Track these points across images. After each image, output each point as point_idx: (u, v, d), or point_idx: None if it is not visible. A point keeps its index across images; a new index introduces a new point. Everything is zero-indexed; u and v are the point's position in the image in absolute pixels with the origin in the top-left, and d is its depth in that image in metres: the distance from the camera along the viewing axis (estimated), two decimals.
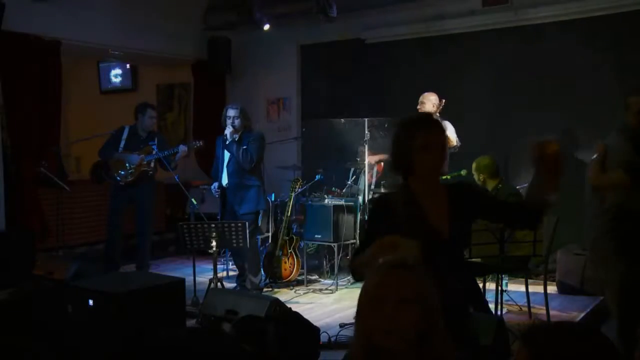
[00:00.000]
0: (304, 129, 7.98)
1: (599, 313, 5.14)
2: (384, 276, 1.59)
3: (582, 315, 5.01)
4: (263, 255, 6.18)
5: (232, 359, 3.15)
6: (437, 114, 5.62)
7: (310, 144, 7.88)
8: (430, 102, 5.88)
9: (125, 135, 6.08)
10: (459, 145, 5.68)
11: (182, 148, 6.03)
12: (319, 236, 6.04)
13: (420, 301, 1.53)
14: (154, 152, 5.96)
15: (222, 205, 5.73)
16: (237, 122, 5.53)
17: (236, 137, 5.53)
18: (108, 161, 6.08)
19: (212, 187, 5.76)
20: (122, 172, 5.97)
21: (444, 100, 5.69)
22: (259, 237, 6.29)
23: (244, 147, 5.51)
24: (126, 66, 9.41)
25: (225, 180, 5.65)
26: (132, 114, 6.31)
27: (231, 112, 5.56)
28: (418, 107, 5.81)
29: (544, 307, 4.71)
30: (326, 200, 6.22)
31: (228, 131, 5.51)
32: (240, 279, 5.78)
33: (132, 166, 5.98)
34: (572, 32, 6.12)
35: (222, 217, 5.69)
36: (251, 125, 5.74)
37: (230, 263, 6.56)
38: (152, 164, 6.07)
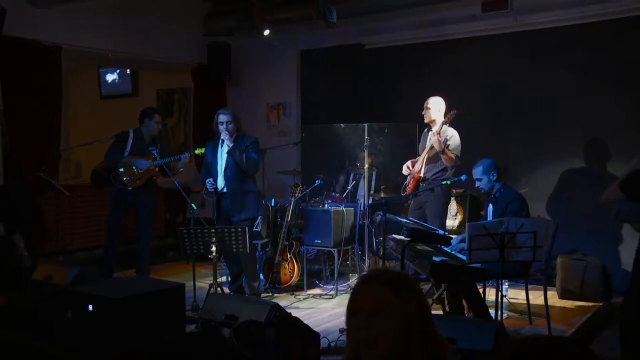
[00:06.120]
0: (304, 134, 7.99)
1: (599, 318, 5.14)
2: (360, 288, 1.63)
3: (582, 320, 5.00)
4: (262, 261, 6.19)
5: None
6: (447, 124, 5.42)
7: (310, 149, 7.89)
8: (435, 107, 5.53)
9: (130, 140, 6.08)
10: (459, 163, 5.46)
11: (185, 156, 6.03)
12: (319, 241, 6.03)
13: (398, 313, 1.55)
14: (157, 158, 5.96)
15: (217, 211, 5.65)
16: (230, 126, 5.50)
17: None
18: (115, 165, 6.05)
19: (207, 182, 5.58)
20: (130, 178, 5.95)
21: (454, 111, 5.35)
22: (259, 242, 6.28)
23: (244, 153, 5.46)
24: (126, 71, 9.42)
25: (221, 186, 5.59)
26: (132, 119, 6.31)
27: (223, 118, 5.51)
28: (423, 112, 5.61)
29: (544, 312, 4.71)
30: (326, 205, 6.23)
31: (226, 137, 5.48)
32: (233, 285, 5.75)
33: (140, 171, 5.97)
34: (572, 38, 6.14)
35: (217, 222, 5.65)
36: (242, 128, 5.72)
37: None
38: (157, 169, 6.07)
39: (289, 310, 4.30)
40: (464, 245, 4.30)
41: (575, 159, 6.19)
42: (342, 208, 6.08)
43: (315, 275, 6.54)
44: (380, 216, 6.07)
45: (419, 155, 5.69)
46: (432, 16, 6.81)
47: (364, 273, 1.74)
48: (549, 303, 4.71)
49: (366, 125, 6.29)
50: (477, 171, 4.79)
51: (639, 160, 3.38)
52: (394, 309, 1.55)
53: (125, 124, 6.53)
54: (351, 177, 6.87)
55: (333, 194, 6.66)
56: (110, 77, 9.69)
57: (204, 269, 6.39)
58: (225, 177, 5.57)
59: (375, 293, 1.58)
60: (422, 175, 5.59)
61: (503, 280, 4.60)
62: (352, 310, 1.61)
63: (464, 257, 4.29)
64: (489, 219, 4.77)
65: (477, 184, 4.82)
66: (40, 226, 6.52)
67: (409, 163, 5.75)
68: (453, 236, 4.84)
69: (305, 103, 8.11)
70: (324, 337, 4.20)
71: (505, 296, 5.04)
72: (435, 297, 4.82)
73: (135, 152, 6.02)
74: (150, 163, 5.97)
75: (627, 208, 3.29)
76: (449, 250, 4.62)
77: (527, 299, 4.87)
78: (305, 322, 3.94)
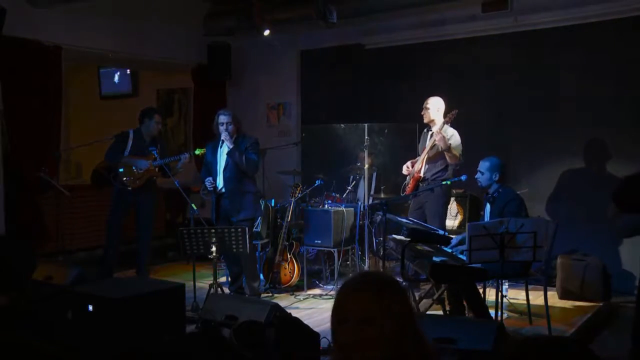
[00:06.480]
0: (304, 134, 7.99)
1: (599, 318, 5.14)
2: (344, 297, 1.61)
3: (582, 320, 5.00)
4: (263, 261, 6.19)
5: None
6: (448, 124, 5.42)
7: (310, 149, 7.89)
8: (434, 107, 5.53)
9: (130, 140, 6.07)
10: (462, 161, 5.47)
11: (185, 156, 6.03)
12: (319, 241, 6.03)
13: (386, 316, 1.54)
14: (157, 158, 5.96)
15: (217, 212, 5.65)
16: (230, 127, 5.50)
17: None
18: (115, 165, 6.04)
19: (207, 180, 5.58)
20: (129, 178, 5.94)
21: (455, 110, 5.35)
22: (259, 242, 6.28)
23: (244, 154, 5.47)
24: (126, 71, 9.42)
25: (220, 186, 5.59)
26: (132, 119, 6.30)
27: (223, 118, 5.51)
28: (422, 112, 5.62)
29: (544, 313, 4.71)
30: (326, 206, 6.22)
31: (226, 138, 5.48)
32: (233, 285, 5.75)
33: (140, 171, 5.97)
34: (572, 38, 6.14)
35: (216, 222, 5.64)
36: (242, 129, 5.72)
37: None
38: (157, 170, 6.07)
39: (289, 311, 4.30)
40: (464, 247, 4.30)
41: (575, 159, 6.19)
42: (342, 208, 6.08)
43: (315, 276, 6.54)
44: (380, 216, 6.07)
45: (419, 155, 5.69)
46: (432, 16, 6.80)
47: (346, 279, 1.70)
48: (549, 303, 4.71)
49: (366, 125, 6.29)
50: (483, 165, 4.77)
51: None
52: (381, 314, 1.54)
53: (125, 124, 6.53)
54: (351, 178, 6.87)
55: (333, 194, 6.66)
56: (111, 77, 9.68)
57: (204, 269, 6.38)
58: (224, 178, 5.57)
59: (361, 301, 1.56)
60: (422, 175, 5.59)
61: (503, 281, 4.60)
62: (339, 318, 1.59)
63: (464, 258, 4.29)
64: (486, 218, 4.77)
65: (477, 175, 4.79)
66: (40, 226, 6.52)
67: (408, 163, 5.75)
68: (453, 236, 4.84)
69: (305, 103, 8.11)
70: (324, 337, 4.19)
71: (505, 296, 5.04)
72: (435, 297, 4.82)
73: (135, 152, 6.02)
74: (150, 163, 5.97)
75: (626, 221, 3.30)
76: (449, 251, 4.62)
77: (527, 299, 4.87)
78: (305, 322, 3.94)
